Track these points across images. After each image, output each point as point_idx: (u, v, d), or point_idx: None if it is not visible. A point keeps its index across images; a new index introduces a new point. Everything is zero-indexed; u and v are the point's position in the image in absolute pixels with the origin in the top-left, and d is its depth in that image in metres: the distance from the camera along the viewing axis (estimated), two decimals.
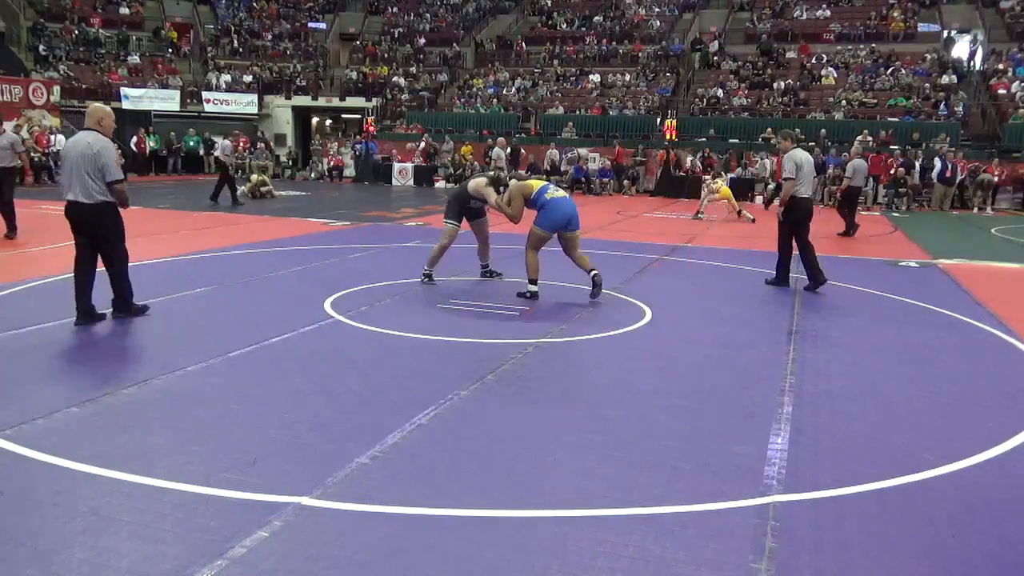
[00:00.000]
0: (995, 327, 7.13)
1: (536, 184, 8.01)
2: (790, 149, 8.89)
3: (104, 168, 6.11)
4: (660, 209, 19.04)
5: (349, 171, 26.51)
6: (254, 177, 19.73)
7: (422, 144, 25.76)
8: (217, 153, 17.72)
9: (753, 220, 16.07)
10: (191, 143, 27.16)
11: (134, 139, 26.11)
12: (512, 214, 7.98)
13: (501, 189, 8.27)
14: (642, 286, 8.57)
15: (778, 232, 9.11)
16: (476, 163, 24.52)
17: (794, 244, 8.92)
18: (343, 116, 34.17)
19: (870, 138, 22.98)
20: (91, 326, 6.20)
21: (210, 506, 3.28)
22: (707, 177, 20.48)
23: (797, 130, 16.09)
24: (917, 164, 21.29)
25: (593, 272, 7.71)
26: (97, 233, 6.28)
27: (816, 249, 8.87)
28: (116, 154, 6.28)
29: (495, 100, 29.30)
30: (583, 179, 23.60)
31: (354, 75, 32.13)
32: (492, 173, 8.58)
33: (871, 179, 21.03)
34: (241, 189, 19.38)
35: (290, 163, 28.68)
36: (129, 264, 6.53)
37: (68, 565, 2.83)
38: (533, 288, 7.72)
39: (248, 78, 31.90)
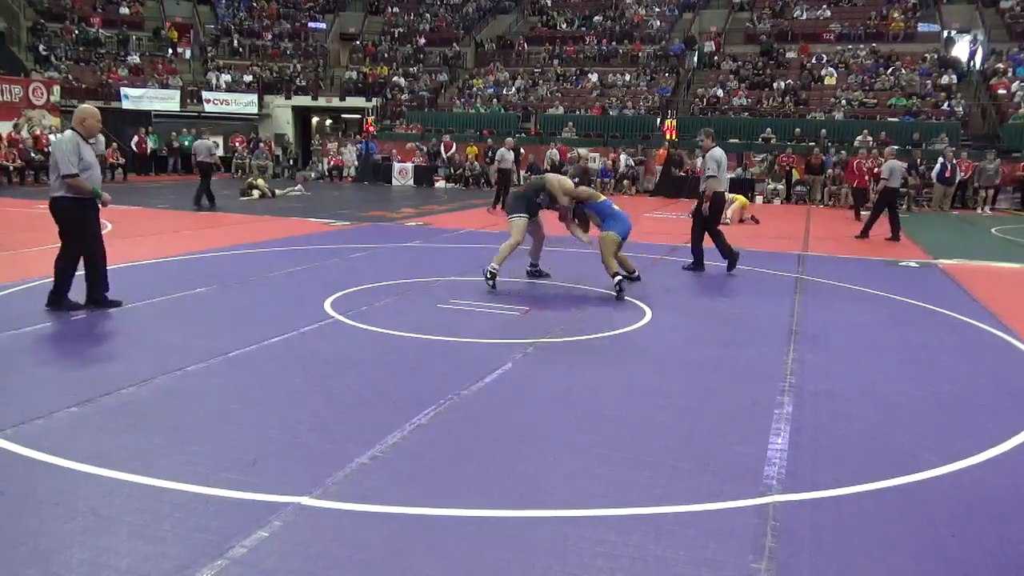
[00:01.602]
0: (995, 327, 7.13)
1: (598, 195, 8.53)
2: (711, 147, 9.58)
3: (58, 162, 6.38)
4: (660, 209, 19.03)
5: (349, 171, 26.49)
6: (257, 179, 19.66)
7: (446, 141, 25.46)
8: (199, 157, 16.62)
9: (757, 222, 16.06)
10: (186, 143, 27.12)
11: (135, 139, 26.10)
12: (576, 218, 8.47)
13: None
14: (642, 286, 8.56)
15: (694, 225, 9.90)
16: (478, 164, 24.50)
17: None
18: (343, 116, 34.18)
19: (870, 138, 22.97)
20: (96, 312, 6.56)
21: (210, 506, 3.28)
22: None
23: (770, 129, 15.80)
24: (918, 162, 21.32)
25: (635, 272, 8.51)
26: (56, 225, 6.60)
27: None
28: (75, 147, 6.39)
29: (495, 100, 29.29)
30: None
31: (354, 75, 32.12)
32: (576, 168, 8.86)
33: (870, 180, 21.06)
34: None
35: (290, 163, 28.67)
36: (76, 268, 6.63)
37: (68, 565, 2.83)
38: (619, 278, 7.85)
39: (248, 78, 31.90)
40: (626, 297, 7.88)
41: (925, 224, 16.89)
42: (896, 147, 16.94)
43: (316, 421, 4.30)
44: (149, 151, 26.58)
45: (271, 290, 7.91)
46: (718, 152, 9.58)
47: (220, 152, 28.29)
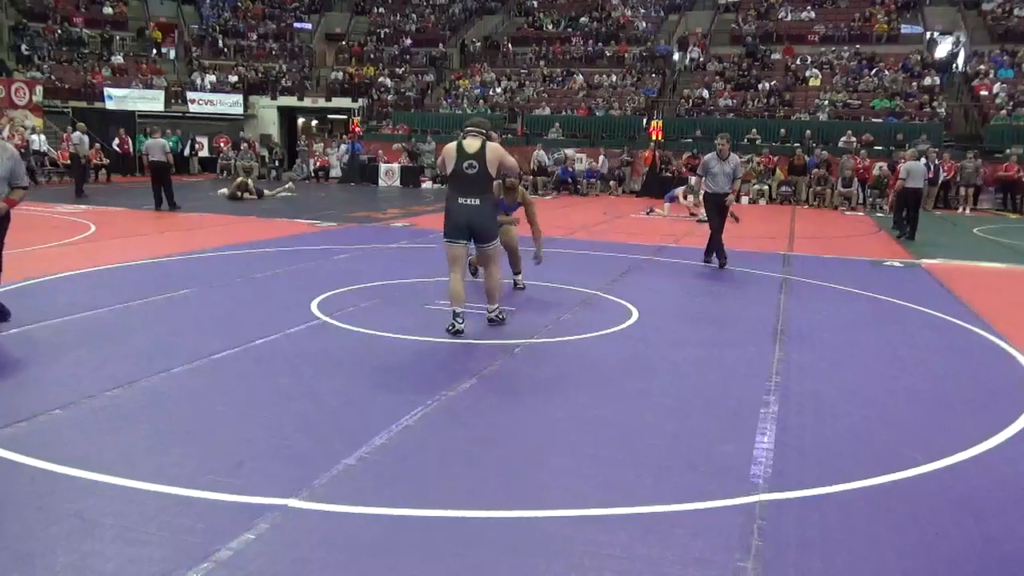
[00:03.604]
0: (977, 326, 7.19)
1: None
2: (728, 152, 10.21)
3: None
4: (646, 209, 19.07)
5: (335, 172, 26.41)
6: (247, 180, 19.53)
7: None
8: (152, 157, 16.08)
9: (737, 220, 16.11)
10: (169, 143, 26.85)
11: (116, 140, 25.87)
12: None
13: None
14: (628, 286, 8.59)
15: (720, 223, 10.31)
16: None
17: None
18: (329, 117, 34.04)
19: (854, 138, 23.13)
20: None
21: (196, 508, 3.26)
22: (692, 178, 20.51)
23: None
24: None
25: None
26: None
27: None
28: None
29: (481, 101, 29.27)
30: (570, 180, 23.63)
31: (340, 75, 32.00)
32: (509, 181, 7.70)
33: (856, 180, 21.20)
34: (222, 191, 19.23)
35: (276, 164, 28.53)
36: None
37: (52, 569, 2.80)
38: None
39: (233, 78, 31.68)
40: (612, 297, 7.91)
41: None
42: (914, 148, 16.83)
43: (303, 423, 4.29)
44: (132, 152, 26.35)
45: (257, 291, 7.87)
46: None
47: (204, 152, 28.24)
